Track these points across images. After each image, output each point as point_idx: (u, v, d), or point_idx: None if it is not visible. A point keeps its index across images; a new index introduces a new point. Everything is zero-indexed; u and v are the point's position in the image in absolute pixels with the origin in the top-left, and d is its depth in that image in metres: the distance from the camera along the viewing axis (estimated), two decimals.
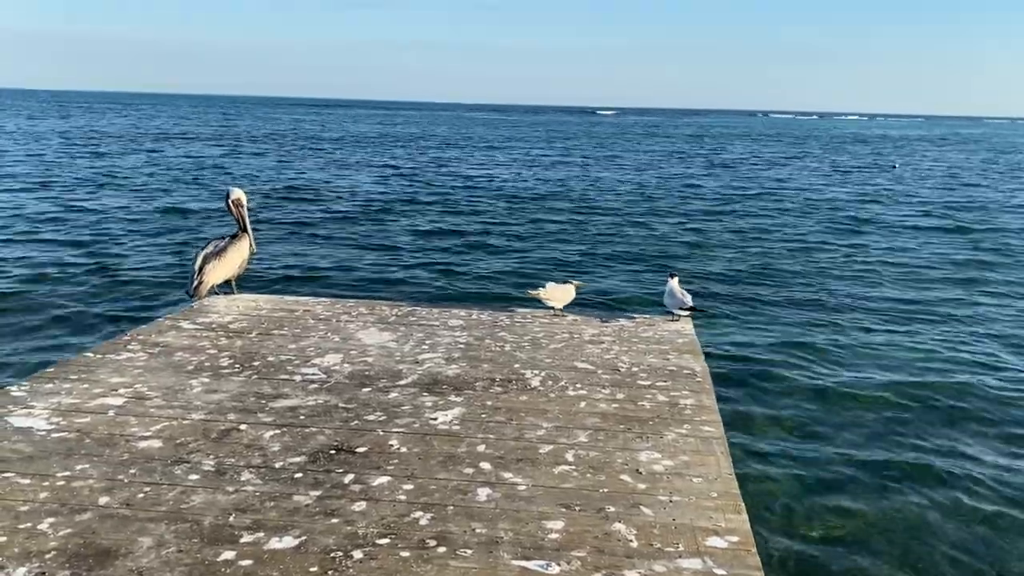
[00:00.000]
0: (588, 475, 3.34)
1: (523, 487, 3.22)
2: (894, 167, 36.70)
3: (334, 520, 2.93)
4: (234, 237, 6.17)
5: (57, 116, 66.52)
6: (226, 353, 4.85)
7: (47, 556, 2.66)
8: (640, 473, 3.37)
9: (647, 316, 6.08)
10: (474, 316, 5.91)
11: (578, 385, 4.44)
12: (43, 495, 3.05)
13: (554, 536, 2.86)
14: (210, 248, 6.05)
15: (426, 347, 5.10)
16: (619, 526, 2.94)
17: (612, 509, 3.06)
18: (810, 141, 64.12)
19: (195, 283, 5.92)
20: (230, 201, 6.22)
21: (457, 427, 3.82)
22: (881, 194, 24.78)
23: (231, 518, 2.92)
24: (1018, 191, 26.93)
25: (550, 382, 4.49)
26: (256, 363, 4.68)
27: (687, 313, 5.84)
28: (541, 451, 3.56)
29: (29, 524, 2.84)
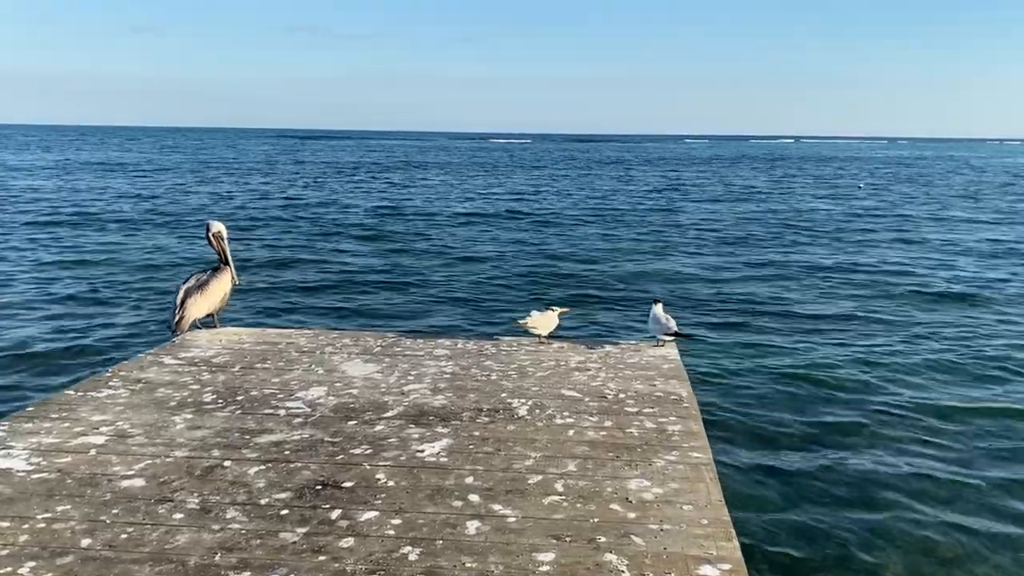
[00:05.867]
0: (578, 505, 3.32)
1: (513, 519, 3.19)
2: (860, 188, 37.67)
3: (322, 557, 2.88)
4: (216, 270, 6.13)
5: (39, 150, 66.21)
6: (209, 388, 4.80)
7: None
8: (630, 502, 3.35)
9: (632, 342, 6.08)
10: (459, 345, 5.88)
11: (565, 413, 4.42)
12: (23, 538, 2.98)
13: (545, 568, 2.83)
14: (192, 282, 6.01)
15: (412, 378, 5.07)
16: (610, 557, 2.91)
17: (603, 539, 3.03)
18: (787, 162, 64.88)
19: (177, 317, 5.87)
20: (211, 234, 6.18)
21: (445, 459, 3.78)
22: (858, 215, 25.07)
23: (217, 557, 2.87)
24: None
25: (537, 411, 4.46)
26: (240, 398, 4.63)
27: (672, 338, 5.84)
28: (530, 481, 3.54)
29: (9, 569, 2.77)
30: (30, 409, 4.41)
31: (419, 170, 49.30)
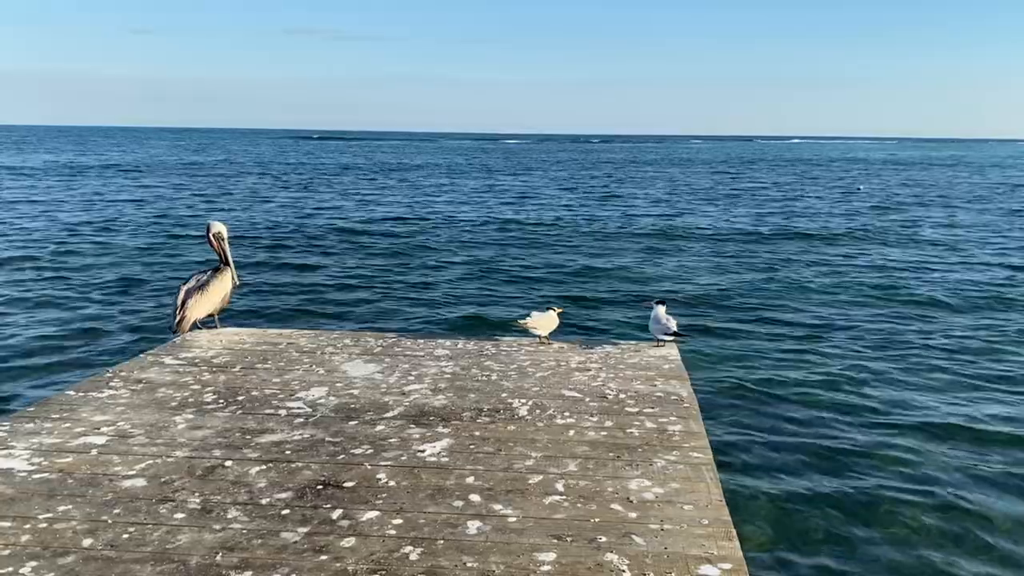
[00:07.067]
0: (579, 505, 3.32)
1: (513, 519, 3.19)
2: (859, 189, 37.61)
3: (323, 557, 2.88)
4: (216, 271, 6.13)
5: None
6: (210, 388, 4.80)
7: None
8: (631, 502, 3.35)
9: (633, 342, 6.08)
10: (460, 346, 5.89)
11: (566, 413, 4.43)
12: (25, 538, 2.99)
13: (546, 568, 2.83)
14: (192, 282, 6.01)
15: (412, 378, 5.07)
16: (611, 556, 2.91)
17: (604, 539, 3.03)
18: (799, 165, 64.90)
19: (177, 318, 5.87)
20: (211, 235, 6.18)
21: (445, 459, 3.79)
22: (855, 215, 25.07)
23: (218, 557, 2.87)
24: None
25: (538, 411, 4.47)
26: (240, 398, 4.63)
27: (672, 338, 5.85)
28: (531, 481, 3.54)
29: (10, 568, 2.78)
30: (31, 409, 4.41)
31: (420, 171, 49.32)
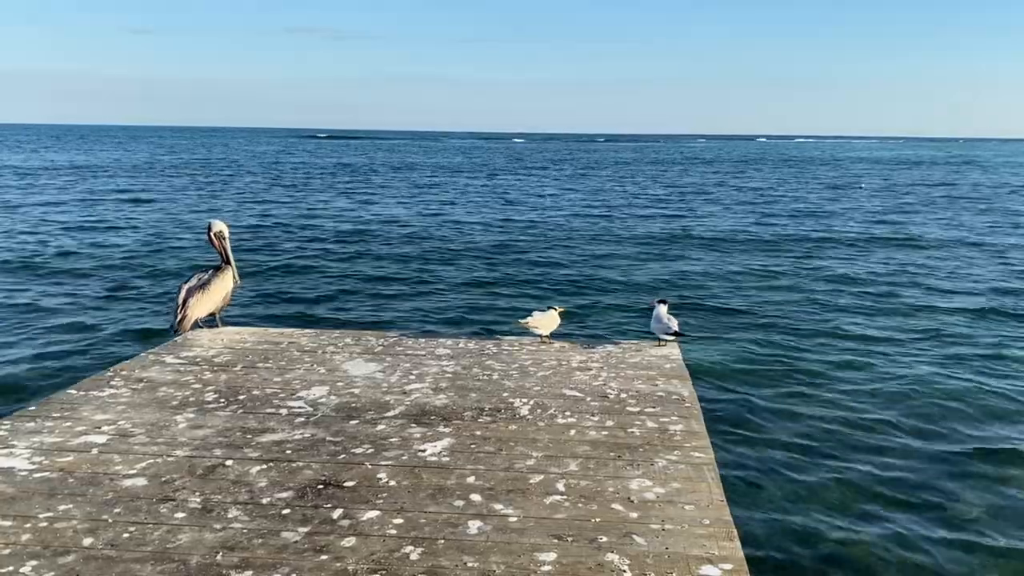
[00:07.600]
0: (580, 505, 3.31)
1: (514, 518, 3.19)
2: (861, 188, 37.60)
3: (323, 557, 2.88)
4: (217, 269, 6.13)
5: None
6: (211, 387, 4.80)
7: None
8: (632, 501, 3.35)
9: (634, 341, 6.08)
10: (461, 345, 5.88)
11: (567, 413, 4.42)
12: (25, 537, 2.99)
13: (547, 568, 2.83)
14: (193, 281, 6.01)
15: (413, 377, 5.07)
16: (612, 556, 2.91)
17: (605, 539, 3.03)
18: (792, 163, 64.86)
19: (178, 317, 5.87)
20: (212, 233, 6.18)
21: (446, 458, 3.78)
22: (857, 215, 25.04)
23: (219, 557, 2.87)
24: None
25: (539, 410, 4.46)
26: (241, 397, 4.63)
27: (673, 338, 5.84)
28: (531, 481, 3.53)
29: (11, 568, 2.77)
30: (32, 408, 4.41)
31: (424, 171, 49.32)
